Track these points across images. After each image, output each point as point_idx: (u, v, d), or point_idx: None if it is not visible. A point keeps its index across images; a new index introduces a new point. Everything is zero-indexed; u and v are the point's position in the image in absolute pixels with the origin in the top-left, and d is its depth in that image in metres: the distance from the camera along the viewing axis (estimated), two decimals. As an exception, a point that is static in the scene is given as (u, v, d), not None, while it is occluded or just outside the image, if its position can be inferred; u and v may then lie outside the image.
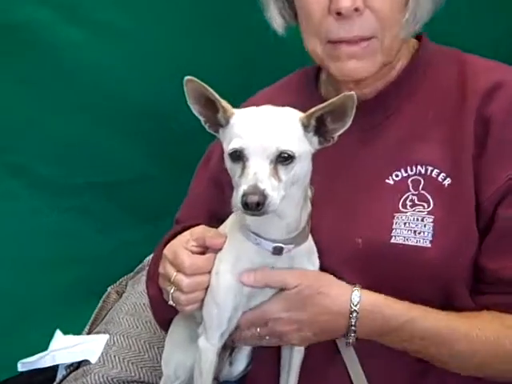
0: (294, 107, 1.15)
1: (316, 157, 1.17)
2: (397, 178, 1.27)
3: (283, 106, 1.16)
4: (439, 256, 1.21)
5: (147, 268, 1.60)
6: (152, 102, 2.31)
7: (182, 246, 1.27)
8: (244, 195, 1.03)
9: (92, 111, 2.33)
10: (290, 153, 1.07)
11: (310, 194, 1.20)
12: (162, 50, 2.27)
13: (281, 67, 1.59)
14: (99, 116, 2.34)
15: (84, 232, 2.51)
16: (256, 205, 1.03)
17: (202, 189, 1.55)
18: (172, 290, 1.25)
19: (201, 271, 1.23)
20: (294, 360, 1.32)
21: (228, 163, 1.12)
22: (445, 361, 1.23)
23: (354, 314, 1.20)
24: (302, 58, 1.39)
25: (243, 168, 1.08)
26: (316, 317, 1.21)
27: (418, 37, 1.40)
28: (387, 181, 1.28)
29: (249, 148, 1.07)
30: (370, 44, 1.25)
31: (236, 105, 1.17)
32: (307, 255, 1.23)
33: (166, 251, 1.30)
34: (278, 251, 1.17)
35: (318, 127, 1.12)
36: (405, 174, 1.27)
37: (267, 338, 1.25)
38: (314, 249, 1.25)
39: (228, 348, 1.40)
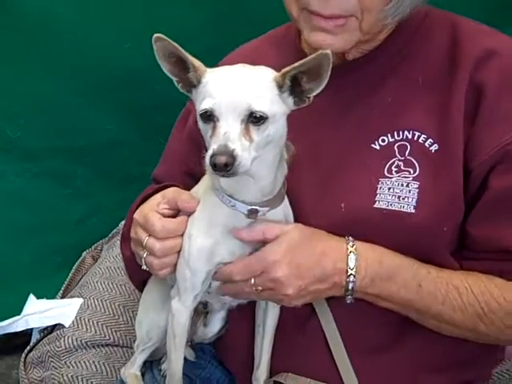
0: (277, 62, 1.12)
1: (301, 118, 1.14)
2: (383, 143, 1.25)
3: (266, 60, 1.13)
4: (423, 222, 1.19)
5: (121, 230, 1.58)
6: (125, 65, 2.26)
7: (152, 210, 1.24)
8: (213, 155, 1.01)
9: (64, 75, 2.28)
10: (261, 113, 1.05)
11: (285, 155, 1.18)
12: (136, 14, 2.21)
13: (258, 24, 1.55)
14: (71, 79, 2.29)
15: (56, 197, 2.48)
16: (224, 165, 1.01)
17: (179, 146, 1.52)
18: (145, 255, 1.23)
19: (173, 235, 1.21)
20: (268, 323, 1.32)
21: (200, 123, 1.10)
22: (434, 313, 1.22)
23: (352, 256, 1.18)
24: (280, 14, 1.35)
25: (214, 128, 1.05)
26: (315, 260, 1.18)
27: None
28: (373, 145, 1.25)
29: (219, 108, 1.04)
30: (347, 22, 1.18)
31: (215, 61, 1.14)
32: (282, 217, 1.21)
33: (137, 215, 1.27)
34: (252, 214, 1.16)
35: (294, 87, 1.10)
36: (391, 139, 1.24)
37: (260, 288, 1.18)
38: (290, 212, 1.24)
39: (202, 312, 1.40)
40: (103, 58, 2.26)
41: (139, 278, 1.46)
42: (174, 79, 1.14)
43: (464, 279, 1.22)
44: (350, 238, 1.21)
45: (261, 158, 1.08)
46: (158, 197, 1.28)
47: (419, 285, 1.21)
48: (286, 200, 1.22)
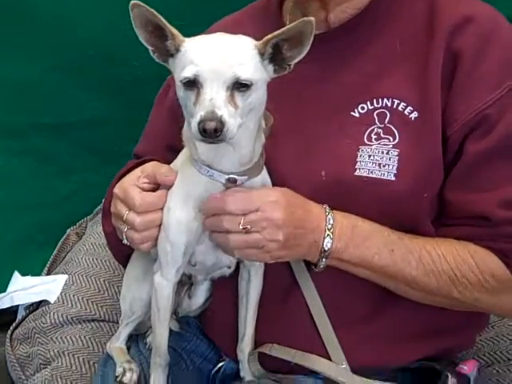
0: (257, 34, 1.11)
1: (282, 87, 1.15)
2: (362, 111, 1.25)
3: (247, 33, 1.12)
4: (403, 189, 1.20)
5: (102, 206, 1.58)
6: (107, 42, 2.24)
7: (132, 184, 1.24)
8: (201, 122, 1.01)
9: (43, 53, 2.26)
10: (246, 80, 1.05)
11: (263, 124, 1.18)
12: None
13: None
14: (52, 57, 2.27)
15: (40, 175, 2.47)
16: (214, 131, 1.01)
17: (160, 121, 1.52)
18: (125, 229, 1.23)
19: (152, 208, 1.21)
20: (251, 294, 1.32)
21: (180, 92, 1.08)
22: (409, 280, 1.23)
23: (330, 217, 1.19)
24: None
25: (198, 95, 1.04)
26: (304, 213, 1.19)
27: None
28: (352, 113, 1.25)
29: (204, 74, 1.03)
30: None
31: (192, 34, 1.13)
32: (260, 187, 1.21)
33: (117, 190, 1.27)
34: (231, 183, 1.15)
35: (274, 55, 1.09)
36: (371, 107, 1.24)
37: (249, 227, 1.14)
38: (269, 182, 1.23)
39: (186, 283, 1.41)
40: (81, 35, 2.24)
41: (121, 252, 1.46)
42: (150, 48, 1.12)
43: (437, 246, 1.23)
44: (325, 205, 1.22)
45: (242, 126, 1.07)
46: (137, 171, 1.27)
47: (392, 250, 1.21)
48: (265, 170, 1.22)
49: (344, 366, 1.26)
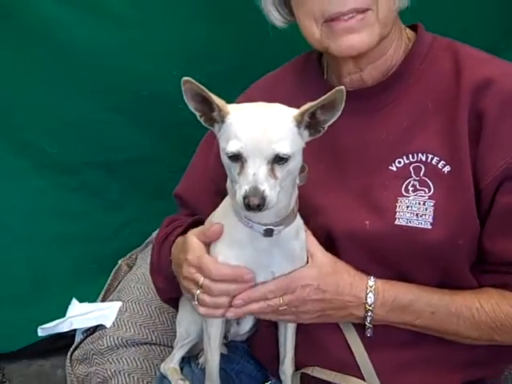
0: (298, 88, 1.21)
1: (323, 143, 1.25)
2: (399, 165, 1.33)
3: (286, 88, 1.21)
4: (439, 237, 1.28)
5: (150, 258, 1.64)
6: (156, 84, 2.36)
7: (204, 251, 1.31)
8: (246, 197, 1.09)
9: (97, 94, 2.39)
10: (285, 155, 1.12)
11: (297, 181, 1.25)
12: (163, 29, 2.29)
13: (275, 44, 1.64)
14: (103, 99, 2.40)
15: (92, 210, 2.60)
16: (257, 206, 1.09)
17: (204, 164, 1.57)
18: (198, 292, 1.30)
19: (227, 279, 1.28)
20: (288, 326, 1.42)
21: (225, 160, 1.16)
22: (452, 333, 1.34)
23: (370, 294, 1.32)
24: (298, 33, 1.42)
25: (241, 168, 1.12)
26: (339, 290, 1.31)
27: (413, 26, 1.45)
28: (390, 167, 1.34)
29: (247, 151, 1.11)
30: (365, 16, 1.28)
31: (234, 80, 1.21)
32: (295, 232, 1.29)
33: (190, 256, 1.32)
34: (268, 233, 1.23)
35: (309, 120, 1.16)
36: (407, 161, 1.33)
37: (285, 307, 1.29)
38: (301, 225, 1.31)
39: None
40: (132, 80, 2.36)
41: (172, 303, 1.62)
42: (198, 114, 1.19)
43: (476, 300, 1.32)
44: (372, 277, 1.33)
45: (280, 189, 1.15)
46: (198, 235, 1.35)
47: (432, 312, 1.32)
48: (299, 217, 1.30)
49: None
